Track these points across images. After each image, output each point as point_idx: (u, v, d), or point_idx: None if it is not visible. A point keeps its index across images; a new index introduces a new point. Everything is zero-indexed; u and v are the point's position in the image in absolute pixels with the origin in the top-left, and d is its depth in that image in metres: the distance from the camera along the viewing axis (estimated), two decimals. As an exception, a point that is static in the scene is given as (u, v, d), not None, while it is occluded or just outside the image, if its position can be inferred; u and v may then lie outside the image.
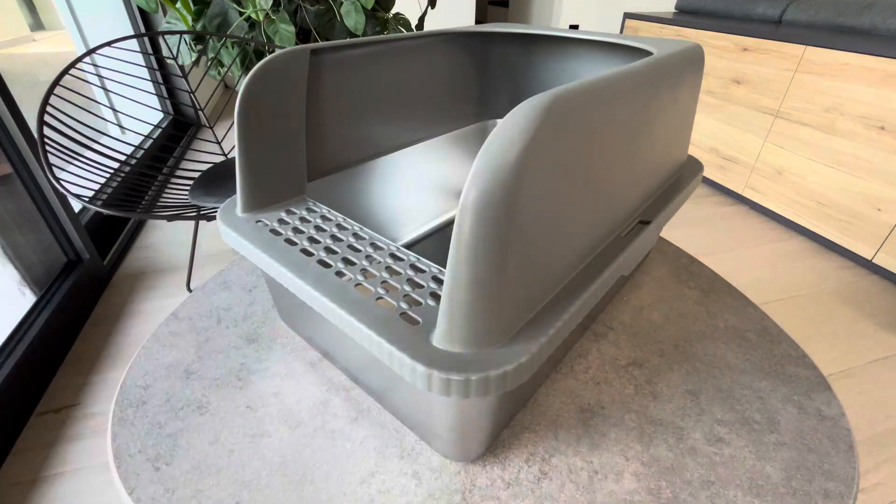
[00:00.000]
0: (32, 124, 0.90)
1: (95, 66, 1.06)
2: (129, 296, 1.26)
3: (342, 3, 1.31)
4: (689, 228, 1.75)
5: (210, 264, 1.40)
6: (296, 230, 0.31)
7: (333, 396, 0.35)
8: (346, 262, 0.28)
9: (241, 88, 0.32)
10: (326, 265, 0.28)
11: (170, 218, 0.94)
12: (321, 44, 0.36)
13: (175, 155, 1.90)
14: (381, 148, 0.45)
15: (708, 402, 0.34)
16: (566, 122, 0.22)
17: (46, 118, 0.87)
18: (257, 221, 0.32)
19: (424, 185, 0.52)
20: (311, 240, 0.30)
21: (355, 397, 0.35)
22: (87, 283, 1.22)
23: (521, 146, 0.20)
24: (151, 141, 1.85)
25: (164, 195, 1.10)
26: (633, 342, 0.39)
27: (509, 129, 0.20)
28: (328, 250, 0.29)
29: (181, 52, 1.21)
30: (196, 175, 1.08)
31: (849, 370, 1.16)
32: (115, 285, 1.31)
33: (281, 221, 0.32)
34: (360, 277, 0.27)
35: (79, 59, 0.96)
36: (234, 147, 1.17)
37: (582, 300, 0.26)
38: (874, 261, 1.47)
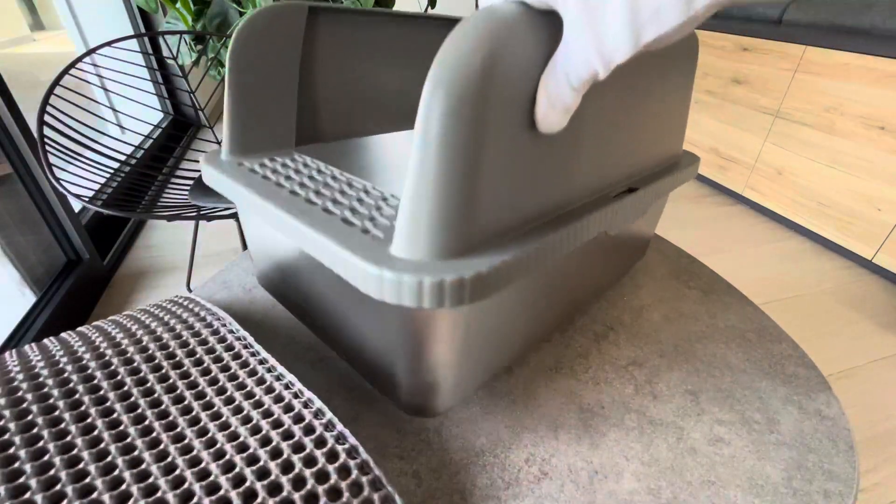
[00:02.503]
0: (32, 124, 0.90)
1: (95, 66, 1.05)
2: (129, 296, 1.26)
3: (342, 3, 1.31)
4: (689, 228, 1.75)
5: (210, 264, 1.40)
6: (274, 171, 0.32)
7: (334, 396, 0.35)
8: (318, 193, 0.28)
9: (236, 31, 0.32)
10: (297, 194, 0.28)
11: (170, 218, 0.94)
12: (320, 3, 0.36)
13: (175, 155, 1.90)
14: (374, 127, 0.44)
15: (708, 402, 0.34)
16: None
17: (46, 118, 0.87)
18: (239, 164, 0.33)
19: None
20: (288, 178, 0.31)
21: (356, 397, 0.35)
22: (87, 283, 1.22)
23: (491, 45, 0.19)
24: (151, 141, 1.85)
25: (164, 195, 1.10)
26: (633, 342, 0.39)
27: (475, 28, 0.19)
28: (302, 185, 0.30)
29: (181, 52, 1.21)
30: (196, 175, 1.08)
31: (849, 370, 1.16)
32: (115, 285, 1.31)
33: (262, 165, 0.33)
34: (328, 204, 0.27)
35: (79, 59, 0.96)
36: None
37: (560, 234, 0.25)
38: (874, 261, 1.47)
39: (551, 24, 0.20)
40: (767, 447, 0.31)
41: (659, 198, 0.39)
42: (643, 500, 0.28)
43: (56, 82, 0.91)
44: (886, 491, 0.91)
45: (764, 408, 0.34)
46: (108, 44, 1.01)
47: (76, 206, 1.30)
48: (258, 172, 0.31)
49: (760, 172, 1.78)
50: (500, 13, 0.19)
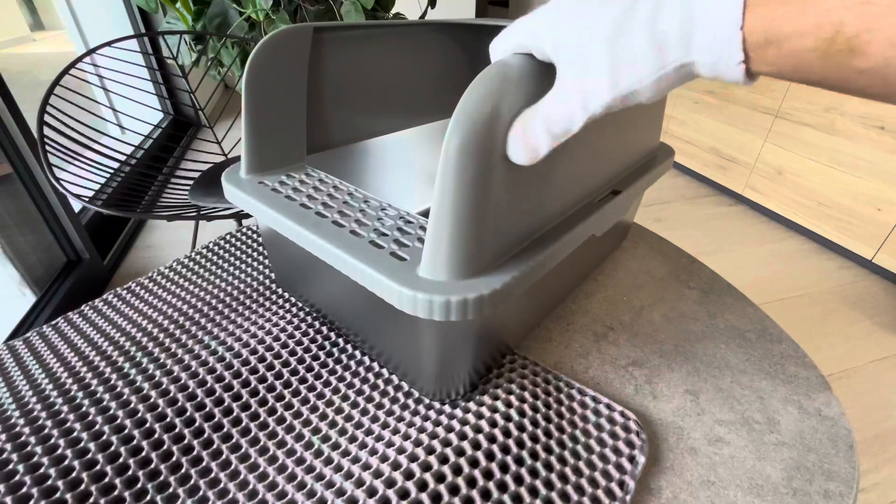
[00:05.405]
0: (32, 124, 0.90)
1: (95, 66, 1.05)
2: (129, 296, 1.26)
3: (342, 3, 1.31)
4: (689, 228, 1.75)
5: (210, 264, 1.39)
6: (295, 189, 0.33)
7: (333, 396, 0.35)
8: (342, 214, 0.30)
9: (249, 59, 0.34)
10: (323, 216, 0.30)
11: (170, 218, 0.94)
12: (324, 23, 0.37)
13: (175, 155, 1.90)
14: (377, 130, 0.47)
15: (708, 402, 0.34)
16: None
17: (46, 118, 0.87)
18: (259, 182, 0.34)
19: (417, 168, 0.53)
20: (310, 197, 0.32)
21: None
22: (87, 283, 1.22)
23: (496, 98, 0.22)
24: (151, 141, 1.85)
25: (164, 195, 1.10)
26: (633, 342, 0.39)
27: (485, 83, 0.22)
28: (325, 205, 0.31)
29: (181, 52, 1.21)
30: (196, 175, 1.07)
31: (849, 370, 1.16)
32: (115, 285, 1.31)
33: (282, 183, 0.34)
34: (353, 225, 0.29)
35: (79, 59, 0.96)
36: (234, 147, 1.18)
37: (554, 247, 0.28)
38: (874, 261, 1.47)
39: (549, 75, 0.22)
40: (767, 447, 0.31)
41: (639, 195, 0.42)
42: (643, 500, 0.28)
43: (56, 82, 0.90)
44: (886, 491, 0.91)
45: (764, 408, 0.34)
46: (108, 44, 1.01)
47: (76, 206, 1.30)
48: (280, 192, 0.33)
49: (760, 172, 1.78)
50: (507, 68, 0.22)
